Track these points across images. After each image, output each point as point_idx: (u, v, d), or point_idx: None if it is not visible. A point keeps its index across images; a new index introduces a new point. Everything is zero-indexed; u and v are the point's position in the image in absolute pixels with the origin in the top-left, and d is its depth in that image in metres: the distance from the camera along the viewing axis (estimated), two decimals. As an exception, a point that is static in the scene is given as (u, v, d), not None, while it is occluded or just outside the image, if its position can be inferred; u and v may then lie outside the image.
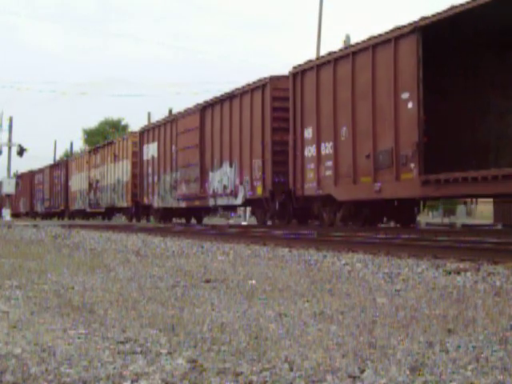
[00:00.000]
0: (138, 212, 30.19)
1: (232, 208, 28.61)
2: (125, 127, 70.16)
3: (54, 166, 46.78)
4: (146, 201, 27.65)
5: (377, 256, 7.69)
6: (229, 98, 20.02)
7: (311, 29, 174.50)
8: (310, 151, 16.20)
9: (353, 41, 18.33)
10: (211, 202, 21.64)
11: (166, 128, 25.25)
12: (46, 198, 47.17)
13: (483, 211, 36.15)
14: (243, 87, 19.21)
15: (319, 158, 15.75)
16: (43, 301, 4.15)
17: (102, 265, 6.81)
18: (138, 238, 13.00)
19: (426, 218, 35.20)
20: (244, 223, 29.80)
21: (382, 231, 13.47)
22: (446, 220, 32.96)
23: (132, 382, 2.26)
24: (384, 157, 13.79)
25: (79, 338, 2.98)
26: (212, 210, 26.29)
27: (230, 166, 19.85)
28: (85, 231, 17.44)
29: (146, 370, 2.40)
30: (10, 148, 46.67)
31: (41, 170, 50.13)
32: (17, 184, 51.12)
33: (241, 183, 19.21)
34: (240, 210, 40.95)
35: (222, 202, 20.97)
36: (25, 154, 46.33)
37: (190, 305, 3.97)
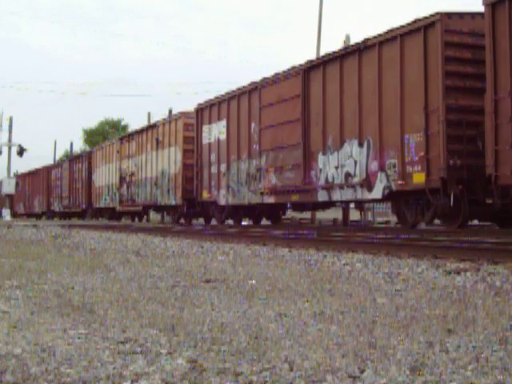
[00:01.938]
0: (191, 211, 23.87)
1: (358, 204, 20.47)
2: (125, 127, 70.22)
3: (75, 159, 41.21)
4: (206, 196, 21.67)
5: (377, 256, 7.69)
6: (356, 50, 14.55)
7: (311, 29, 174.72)
8: None
9: (352, 41, 18.05)
10: (321, 196, 15.82)
11: (239, 101, 19.39)
12: (64, 195, 41.75)
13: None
14: (385, 33, 13.88)
15: None
16: (43, 301, 4.16)
17: (101, 265, 6.81)
18: (138, 238, 13.00)
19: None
20: (244, 223, 28.84)
21: (382, 231, 13.45)
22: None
23: (132, 382, 2.26)
24: None
25: (79, 338, 2.98)
26: (320, 207, 19.17)
27: (360, 145, 14.33)
28: (85, 231, 17.45)
29: (146, 369, 2.40)
30: (9, 148, 46.74)
31: (58, 164, 45.19)
32: (17, 184, 51.09)
33: (381, 169, 13.69)
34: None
35: (342, 195, 15.16)
36: (25, 154, 46.38)
37: (190, 305, 3.98)
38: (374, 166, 14.03)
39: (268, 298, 4.24)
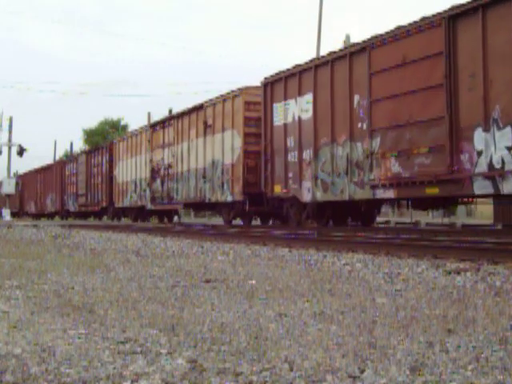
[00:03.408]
0: (253, 209, 19.77)
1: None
2: (124, 127, 70.29)
3: (93, 152, 36.14)
4: (281, 191, 17.30)
5: (377, 256, 7.70)
6: None
7: (311, 29, 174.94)
8: None
9: (352, 41, 17.79)
10: (480, 188, 11.57)
11: (333, 69, 15.21)
12: (80, 192, 37.30)
13: (483, 211, 36.17)
14: None
15: None
16: (43, 301, 4.16)
17: (101, 265, 6.81)
18: (138, 238, 12.99)
19: (426, 218, 35.22)
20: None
21: (382, 231, 13.44)
22: (446, 220, 32.99)
23: (132, 381, 2.26)
24: None
25: (79, 337, 2.98)
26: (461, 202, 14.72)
27: None
28: (85, 231, 17.44)
29: (146, 369, 2.40)
30: (10, 148, 46.70)
31: (74, 158, 40.57)
32: (17, 184, 50.94)
33: None
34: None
35: None
36: (25, 154, 46.28)
37: (190, 305, 3.97)
38: None
39: (268, 298, 4.24)
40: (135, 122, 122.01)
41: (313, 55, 28.17)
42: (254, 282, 5.18)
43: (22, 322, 3.40)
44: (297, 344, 2.82)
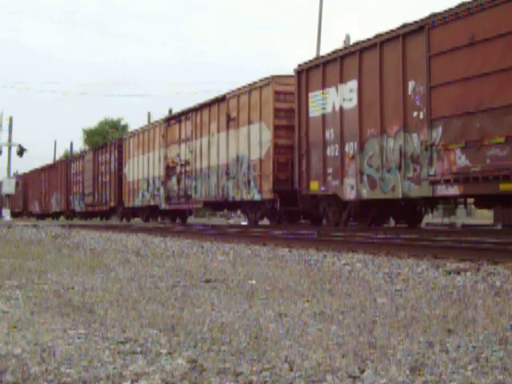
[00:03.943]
0: (284, 208, 17.99)
1: None
2: (124, 127, 70.29)
3: (100, 149, 34.43)
4: (319, 189, 15.68)
5: (377, 256, 7.70)
6: None
7: (311, 29, 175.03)
8: None
9: (352, 41, 17.65)
10: None
11: (382, 52, 13.67)
12: (87, 192, 35.87)
13: (483, 211, 36.16)
14: None
15: None
16: (43, 301, 4.16)
17: (102, 265, 6.81)
18: (138, 238, 12.99)
19: (426, 217, 35.23)
20: (244, 223, 24.47)
21: (382, 231, 13.44)
22: (446, 220, 32.98)
23: (132, 381, 2.26)
24: None
25: (79, 338, 2.98)
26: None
27: None
28: (85, 231, 17.44)
29: (146, 369, 2.40)
30: (10, 148, 46.68)
31: (80, 156, 38.95)
32: (17, 184, 50.87)
33: None
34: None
35: None
36: (25, 154, 46.25)
37: (190, 305, 3.97)
38: None
39: (268, 298, 4.24)
40: (135, 122, 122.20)
41: (313, 55, 28.15)
42: (253, 282, 5.18)
43: (22, 321, 3.40)
44: (297, 344, 2.82)
